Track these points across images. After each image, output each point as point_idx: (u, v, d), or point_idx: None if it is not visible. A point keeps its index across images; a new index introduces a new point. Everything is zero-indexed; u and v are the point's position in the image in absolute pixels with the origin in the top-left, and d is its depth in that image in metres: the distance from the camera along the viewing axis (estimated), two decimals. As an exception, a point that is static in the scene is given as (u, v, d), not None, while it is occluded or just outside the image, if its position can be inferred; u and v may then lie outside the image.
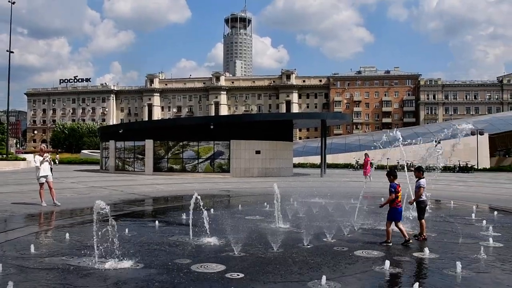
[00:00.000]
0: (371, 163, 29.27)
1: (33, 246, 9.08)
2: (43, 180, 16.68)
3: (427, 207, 11.43)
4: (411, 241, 10.05)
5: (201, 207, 10.11)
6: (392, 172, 10.20)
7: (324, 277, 6.83)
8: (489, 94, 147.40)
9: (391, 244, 9.93)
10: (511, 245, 10.29)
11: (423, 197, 10.67)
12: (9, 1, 54.15)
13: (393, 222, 10.00)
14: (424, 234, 10.60)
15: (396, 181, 10.04)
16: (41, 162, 16.69)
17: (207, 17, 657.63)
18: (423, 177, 10.68)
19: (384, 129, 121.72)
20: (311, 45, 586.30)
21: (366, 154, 33.78)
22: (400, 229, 10.02)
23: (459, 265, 7.72)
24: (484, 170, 55.21)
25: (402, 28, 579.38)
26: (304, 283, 7.03)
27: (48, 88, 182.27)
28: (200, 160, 37.92)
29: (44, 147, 18.67)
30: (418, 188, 10.61)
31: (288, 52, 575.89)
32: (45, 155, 16.94)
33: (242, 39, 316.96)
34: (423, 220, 10.66)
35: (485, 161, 59.96)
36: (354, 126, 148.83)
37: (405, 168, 15.33)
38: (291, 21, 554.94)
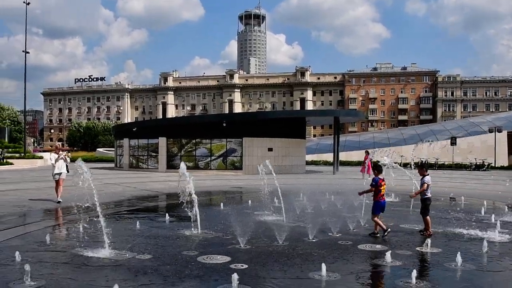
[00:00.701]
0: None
1: (48, 238, 9.46)
2: (57, 177, 16.88)
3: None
4: (378, 235, 10.47)
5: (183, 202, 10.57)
6: (376, 167, 10.82)
7: (324, 268, 7.05)
8: (511, 90, 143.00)
9: (389, 230, 10.47)
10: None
11: (428, 194, 10.82)
12: (24, 2, 54.80)
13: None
14: (430, 230, 10.74)
15: (380, 176, 10.55)
16: (56, 160, 16.96)
17: (220, 14, 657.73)
18: (427, 174, 10.87)
19: (400, 126, 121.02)
20: (326, 41, 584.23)
21: (366, 152, 33.77)
22: (375, 221, 10.54)
23: (460, 259, 7.87)
24: (502, 168, 54.42)
25: (420, 23, 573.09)
26: (305, 274, 7.28)
27: (63, 87, 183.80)
28: (213, 158, 38.20)
29: (59, 145, 18.99)
30: (422, 184, 10.81)
31: (303, 49, 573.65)
32: (60, 152, 17.28)
33: (256, 36, 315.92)
34: (428, 217, 10.82)
35: (503, 159, 59.22)
36: (370, 124, 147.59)
37: (392, 165, 15.51)
38: (306, 17, 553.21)
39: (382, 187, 10.49)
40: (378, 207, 10.49)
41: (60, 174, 16.90)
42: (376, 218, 10.50)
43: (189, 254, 8.47)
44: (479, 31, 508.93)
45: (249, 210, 14.56)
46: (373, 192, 10.61)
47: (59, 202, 16.36)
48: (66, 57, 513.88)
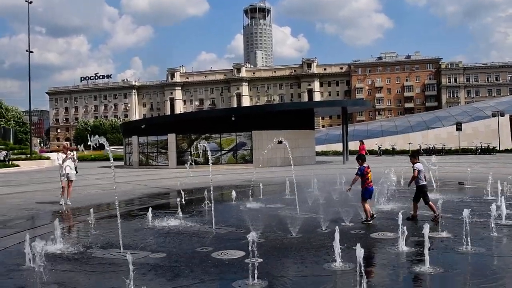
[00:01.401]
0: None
1: (60, 240, 9.27)
2: (65, 179, 16.32)
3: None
4: (370, 222, 10.78)
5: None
6: (360, 156, 11.35)
7: (338, 259, 7.13)
8: (511, 75, 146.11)
9: (371, 222, 10.75)
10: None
11: (423, 182, 11.10)
12: (26, 1, 54.30)
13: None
14: (436, 213, 10.78)
15: (365, 164, 11.01)
16: (64, 160, 16.44)
17: (225, 9, 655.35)
18: (419, 162, 11.21)
19: (407, 114, 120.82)
20: (330, 33, 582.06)
21: (360, 141, 33.50)
22: (364, 206, 10.92)
23: (470, 243, 8.08)
24: (506, 151, 54.62)
25: (421, 13, 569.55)
26: (320, 265, 7.37)
27: (69, 86, 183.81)
28: (223, 152, 38.27)
29: (66, 144, 18.80)
30: (413, 171, 11.13)
31: (308, 41, 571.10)
32: (68, 152, 16.69)
33: (262, 29, 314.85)
34: (430, 203, 11.03)
35: (506, 142, 59.41)
36: (377, 112, 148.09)
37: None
38: (310, 9, 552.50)
39: (369, 175, 10.99)
40: (366, 193, 10.92)
41: (67, 174, 16.39)
42: (366, 204, 10.92)
43: (203, 251, 8.52)
44: (476, 20, 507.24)
45: (261, 203, 14.57)
46: (361, 181, 11.02)
47: (68, 204, 15.94)
48: (71, 55, 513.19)
